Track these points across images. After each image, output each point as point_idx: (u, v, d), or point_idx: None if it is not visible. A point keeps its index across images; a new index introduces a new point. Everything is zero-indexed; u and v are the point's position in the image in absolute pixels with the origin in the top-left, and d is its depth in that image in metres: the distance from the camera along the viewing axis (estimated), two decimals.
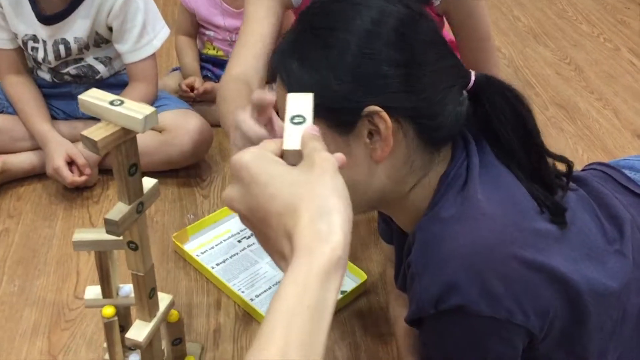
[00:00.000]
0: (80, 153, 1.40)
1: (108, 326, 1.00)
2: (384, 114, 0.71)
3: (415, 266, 0.75)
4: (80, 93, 1.49)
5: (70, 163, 1.40)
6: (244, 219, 0.57)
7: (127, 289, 1.01)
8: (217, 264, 1.28)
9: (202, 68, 1.75)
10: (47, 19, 1.37)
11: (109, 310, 0.99)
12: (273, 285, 1.24)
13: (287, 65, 0.75)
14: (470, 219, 0.73)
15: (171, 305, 1.01)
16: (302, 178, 0.52)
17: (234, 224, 1.38)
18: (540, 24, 2.40)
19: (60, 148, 1.39)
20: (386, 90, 0.72)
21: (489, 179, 0.76)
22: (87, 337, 1.12)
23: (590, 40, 2.29)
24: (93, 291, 1.02)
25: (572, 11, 2.52)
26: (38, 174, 1.46)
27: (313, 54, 0.74)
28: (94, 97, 0.79)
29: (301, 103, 0.61)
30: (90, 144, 0.76)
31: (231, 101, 1.04)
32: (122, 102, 0.78)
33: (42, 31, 1.39)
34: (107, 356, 1.04)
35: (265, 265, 1.28)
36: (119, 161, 0.81)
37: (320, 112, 0.69)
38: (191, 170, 1.53)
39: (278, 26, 1.19)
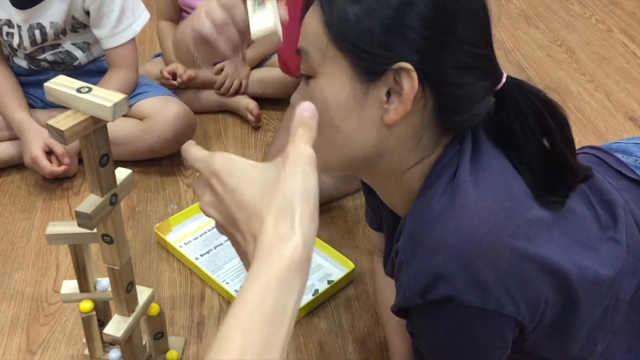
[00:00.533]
0: (60, 144, 1.36)
1: (86, 321, 0.97)
2: (414, 74, 0.67)
3: (403, 254, 0.71)
4: None
5: (49, 153, 1.36)
6: (219, 226, 0.57)
7: (104, 282, 0.98)
8: (201, 255, 1.25)
9: None
10: (21, 3, 1.33)
11: (86, 305, 0.96)
12: None
13: None
14: (459, 207, 0.69)
15: (151, 299, 0.98)
16: (272, 177, 0.51)
17: None
18: (531, 6, 2.36)
19: (38, 137, 1.35)
20: (421, 52, 0.67)
21: (480, 165, 0.73)
22: (66, 333, 1.09)
23: (582, 22, 2.25)
24: (70, 285, 0.99)
25: None
26: (16, 165, 1.42)
27: None
28: (61, 85, 0.75)
29: None
30: (57, 133, 0.72)
31: None
32: (90, 90, 0.74)
33: (16, 16, 1.34)
34: (87, 351, 1.02)
35: None
36: (89, 152, 0.78)
37: (351, 50, 0.68)
38: (174, 159, 1.49)
39: None
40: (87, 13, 1.38)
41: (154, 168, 1.46)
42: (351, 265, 1.21)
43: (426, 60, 0.67)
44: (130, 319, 0.93)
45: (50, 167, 1.34)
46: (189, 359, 1.06)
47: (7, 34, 1.37)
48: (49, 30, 1.37)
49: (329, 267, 1.23)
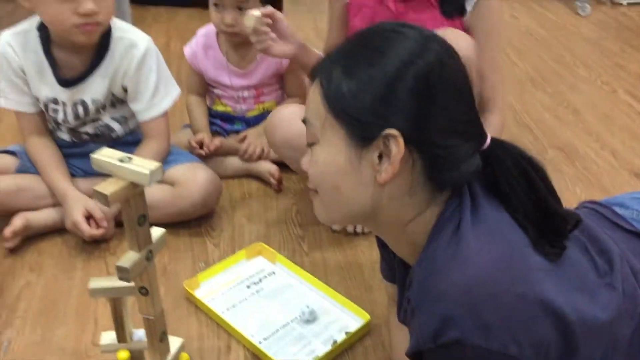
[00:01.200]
0: (97, 208, 1.48)
1: None
2: (400, 140, 0.77)
3: (414, 301, 0.79)
4: (97, 151, 1.60)
5: (89, 217, 1.48)
6: None
7: (140, 333, 1.08)
8: (227, 309, 1.34)
9: (211, 123, 1.85)
10: (67, 83, 1.48)
11: (123, 355, 1.06)
12: (281, 328, 1.29)
13: (330, 70, 0.82)
14: (462, 258, 0.78)
15: (181, 348, 1.07)
16: None
17: (244, 270, 1.45)
18: (538, 70, 2.48)
19: (79, 203, 1.47)
20: (407, 120, 0.77)
21: (479, 218, 0.81)
22: None
23: (587, 84, 2.36)
24: (109, 337, 1.09)
25: (570, 56, 2.61)
26: (59, 229, 1.55)
27: (357, 67, 0.80)
28: (105, 155, 0.87)
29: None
30: (102, 197, 0.84)
31: None
32: (130, 159, 0.86)
33: (62, 94, 1.49)
34: None
35: (273, 309, 1.34)
36: (129, 213, 0.89)
37: (346, 120, 0.79)
38: (202, 221, 1.60)
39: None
40: (125, 89, 1.52)
41: (183, 230, 1.58)
42: (367, 317, 1.29)
43: (412, 127, 0.77)
44: None
45: (89, 230, 1.46)
46: None
47: (53, 110, 1.52)
48: (91, 106, 1.51)
49: (347, 318, 1.31)
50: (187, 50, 1.82)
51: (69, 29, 1.38)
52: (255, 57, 1.78)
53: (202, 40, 1.81)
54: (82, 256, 1.49)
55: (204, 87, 1.86)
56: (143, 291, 0.96)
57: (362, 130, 0.79)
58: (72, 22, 1.37)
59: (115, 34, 1.49)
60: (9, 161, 1.56)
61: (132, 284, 0.96)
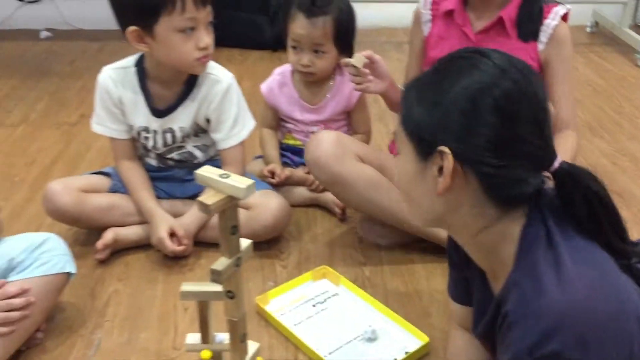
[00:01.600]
0: (180, 227, 1.62)
1: None
2: (450, 156, 0.88)
3: (513, 316, 0.87)
4: (180, 176, 1.76)
5: (172, 235, 1.62)
6: None
7: (221, 336, 1.19)
8: (295, 325, 1.44)
9: (282, 155, 1.99)
10: (159, 113, 1.65)
11: (206, 354, 1.17)
12: (344, 345, 1.39)
13: (409, 94, 0.95)
14: (564, 278, 0.85)
15: (258, 351, 1.18)
16: None
17: (309, 290, 1.56)
18: (597, 119, 2.55)
19: (164, 222, 1.62)
20: (457, 139, 0.88)
21: (567, 236, 0.90)
22: None
23: None
24: (193, 338, 1.21)
25: (629, 107, 2.67)
26: (143, 245, 1.69)
27: (428, 92, 0.92)
28: (207, 171, 1.01)
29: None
30: (205, 207, 0.97)
31: None
32: (228, 176, 0.99)
33: (154, 123, 1.66)
34: None
35: (337, 327, 1.44)
36: (224, 222, 1.02)
37: (413, 137, 0.93)
38: (271, 244, 1.72)
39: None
40: (208, 120, 1.68)
41: (254, 251, 1.69)
42: (426, 339, 1.38)
43: (461, 145, 0.88)
44: None
45: (172, 246, 1.60)
46: None
47: (145, 138, 1.68)
48: (178, 134, 1.67)
49: (406, 339, 1.40)
50: (264, 87, 1.97)
51: (192, 63, 1.56)
52: (325, 95, 1.92)
53: (278, 78, 1.96)
54: (164, 270, 1.63)
55: (277, 121, 2.01)
56: (230, 294, 1.08)
57: (423, 146, 0.92)
58: (195, 56, 1.55)
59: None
60: (104, 181, 1.73)
61: (220, 289, 1.08)
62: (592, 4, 3.58)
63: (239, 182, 0.98)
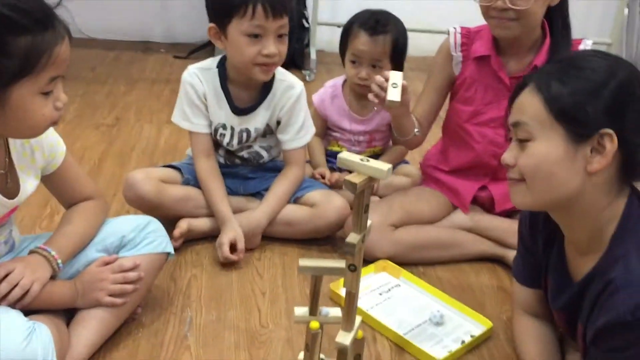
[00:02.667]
0: (242, 240, 1.70)
1: (314, 337, 1.29)
2: (615, 138, 1.04)
3: (620, 281, 1.04)
4: (244, 173, 1.88)
5: (231, 245, 1.70)
6: None
7: (325, 310, 1.32)
8: (368, 309, 1.58)
9: (327, 161, 2.13)
10: (239, 111, 1.78)
11: (316, 324, 1.30)
12: (415, 327, 1.53)
13: (548, 82, 1.09)
14: None
15: (360, 324, 1.31)
16: None
17: (373, 281, 1.70)
18: None
19: (231, 231, 1.70)
20: (623, 124, 1.05)
21: None
22: (278, 354, 1.41)
23: None
24: (300, 311, 1.33)
25: None
26: (210, 236, 1.80)
27: (574, 81, 1.07)
28: (349, 156, 1.15)
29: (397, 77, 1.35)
30: (351, 185, 1.11)
31: None
32: (368, 160, 1.14)
33: (233, 120, 1.78)
34: None
35: (405, 312, 1.58)
36: (359, 201, 1.15)
37: (565, 121, 1.05)
38: (329, 241, 1.86)
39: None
40: (278, 122, 1.82)
41: (314, 246, 1.83)
42: (489, 324, 1.53)
43: (619, 127, 1.05)
44: (352, 334, 1.26)
45: (227, 253, 1.67)
46: None
47: (221, 134, 1.80)
48: (253, 134, 1.80)
49: (469, 325, 1.55)
50: (316, 98, 2.12)
51: (252, 67, 1.68)
52: (373, 108, 2.08)
53: (330, 91, 2.12)
54: None
55: (325, 130, 2.15)
56: (352, 268, 1.21)
57: (581, 129, 1.06)
58: (257, 61, 1.67)
59: (277, 76, 1.80)
60: (176, 175, 1.83)
61: (340, 265, 1.21)
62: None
63: (379, 165, 1.12)
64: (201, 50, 3.46)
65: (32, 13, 1.08)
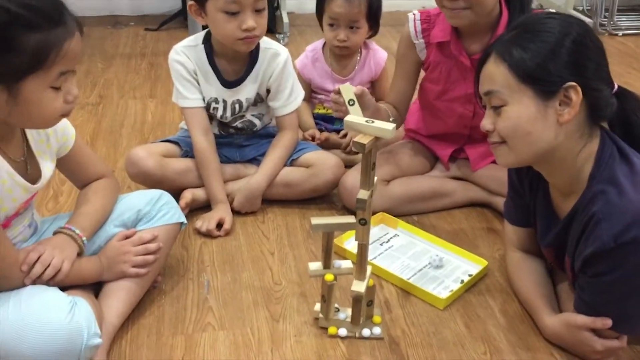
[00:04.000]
0: (230, 222, 1.77)
1: (330, 287, 1.40)
2: (579, 89, 1.15)
3: (601, 214, 1.15)
4: (239, 142, 1.95)
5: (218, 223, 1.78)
6: None
7: (338, 262, 1.42)
8: (371, 259, 1.69)
9: (315, 124, 2.22)
10: (229, 84, 1.84)
11: (331, 276, 1.40)
12: (417, 272, 1.65)
13: (509, 50, 1.19)
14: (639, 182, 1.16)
15: (370, 274, 1.42)
16: None
17: (374, 233, 1.79)
18: None
19: (224, 213, 1.78)
20: (583, 75, 1.16)
21: (636, 153, 1.20)
22: (294, 308, 1.51)
23: None
24: (314, 265, 1.43)
25: None
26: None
27: (532, 45, 1.17)
28: (354, 119, 1.23)
29: (349, 92, 1.29)
30: (361, 146, 1.19)
31: None
32: (373, 121, 1.22)
33: (224, 94, 1.85)
34: (319, 315, 1.43)
35: (406, 259, 1.70)
36: (367, 159, 1.25)
37: (531, 82, 1.16)
38: (325, 200, 1.95)
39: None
40: (268, 90, 1.88)
41: (313, 206, 1.93)
42: (485, 262, 1.66)
43: (580, 78, 1.16)
44: (365, 282, 1.37)
45: (212, 227, 1.75)
46: (386, 323, 1.48)
47: (214, 108, 1.87)
48: (244, 104, 1.87)
49: (466, 265, 1.67)
50: (299, 63, 2.19)
51: (234, 41, 1.74)
52: (354, 67, 2.16)
53: (311, 55, 2.19)
54: (239, 223, 1.83)
55: (309, 93, 2.23)
56: (362, 222, 1.31)
57: (547, 86, 1.17)
58: (237, 36, 1.72)
59: (262, 45, 1.85)
60: (174, 148, 1.89)
61: (351, 220, 1.31)
62: None
63: (384, 125, 1.21)
64: (172, 21, 3.47)
65: (43, 10, 1.12)
